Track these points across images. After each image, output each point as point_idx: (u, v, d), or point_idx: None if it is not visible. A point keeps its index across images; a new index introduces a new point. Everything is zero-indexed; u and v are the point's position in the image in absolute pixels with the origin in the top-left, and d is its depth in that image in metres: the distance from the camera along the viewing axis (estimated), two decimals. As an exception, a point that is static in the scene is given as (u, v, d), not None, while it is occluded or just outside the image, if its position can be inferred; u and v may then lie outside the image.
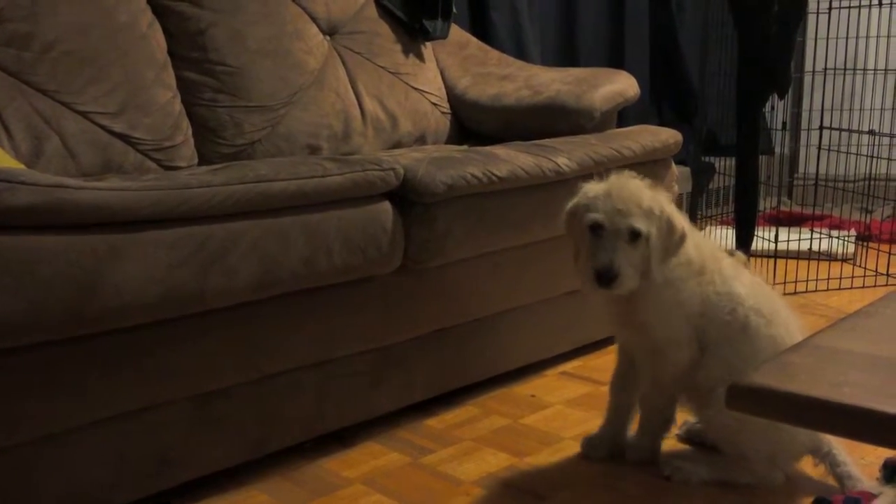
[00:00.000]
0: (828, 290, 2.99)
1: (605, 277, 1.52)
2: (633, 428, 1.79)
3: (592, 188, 1.60)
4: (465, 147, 2.42)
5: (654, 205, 1.55)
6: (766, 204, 4.00)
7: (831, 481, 1.63)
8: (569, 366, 2.32)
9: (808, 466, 1.68)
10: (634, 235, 1.53)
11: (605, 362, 2.33)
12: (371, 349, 1.86)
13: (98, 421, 1.47)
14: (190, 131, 2.19)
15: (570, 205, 1.63)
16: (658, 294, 1.59)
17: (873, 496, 1.52)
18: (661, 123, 3.79)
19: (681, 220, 1.58)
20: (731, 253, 1.72)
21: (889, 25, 3.58)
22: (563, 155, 2.12)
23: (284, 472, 1.76)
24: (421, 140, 2.68)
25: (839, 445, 1.64)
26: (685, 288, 1.60)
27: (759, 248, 3.14)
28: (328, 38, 2.56)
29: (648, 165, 2.35)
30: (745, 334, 1.60)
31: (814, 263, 3.15)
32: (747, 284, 1.64)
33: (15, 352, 1.34)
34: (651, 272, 1.55)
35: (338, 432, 1.88)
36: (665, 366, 1.64)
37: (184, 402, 1.58)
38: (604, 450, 1.79)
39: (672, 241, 1.57)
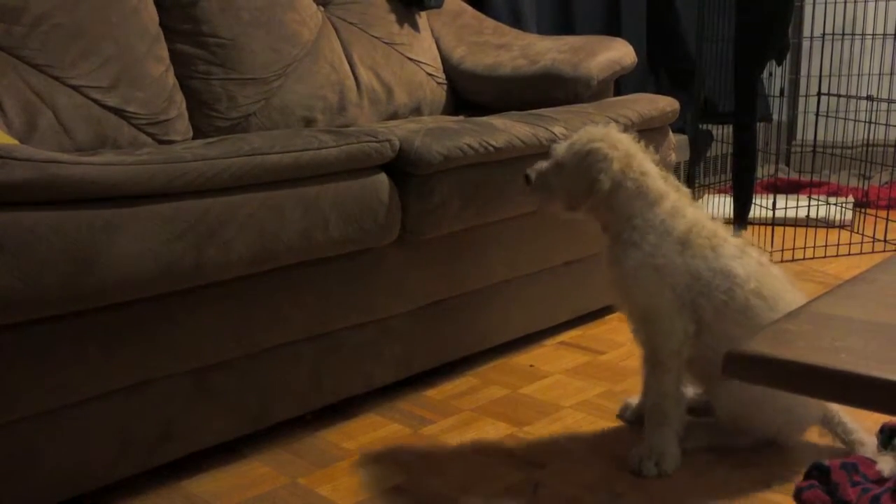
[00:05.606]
0: (825, 256, 3.00)
1: (526, 178, 1.71)
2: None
3: None
4: (461, 117, 2.41)
5: (582, 141, 1.63)
6: (763, 171, 4.00)
7: (828, 444, 1.65)
8: (567, 335, 2.33)
9: (807, 433, 1.69)
10: (554, 161, 1.66)
11: (603, 332, 2.34)
12: (369, 321, 1.86)
13: (98, 396, 1.47)
14: (184, 105, 2.18)
15: None
16: (626, 255, 1.58)
17: (870, 461, 1.53)
18: (659, 91, 3.76)
19: (612, 175, 1.58)
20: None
21: (887, -11, 3.55)
22: (559, 124, 2.11)
23: (285, 443, 1.77)
24: (417, 111, 2.67)
25: (844, 413, 1.64)
26: (660, 254, 1.56)
27: (757, 215, 3.13)
28: (321, 8, 2.53)
29: (646, 133, 2.34)
30: (745, 316, 1.56)
31: (811, 230, 3.15)
32: (750, 266, 1.58)
33: (13, 328, 1.34)
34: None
35: (337, 404, 1.89)
36: (657, 337, 1.59)
37: (183, 376, 1.59)
38: (633, 416, 1.82)
39: (582, 178, 1.60)
